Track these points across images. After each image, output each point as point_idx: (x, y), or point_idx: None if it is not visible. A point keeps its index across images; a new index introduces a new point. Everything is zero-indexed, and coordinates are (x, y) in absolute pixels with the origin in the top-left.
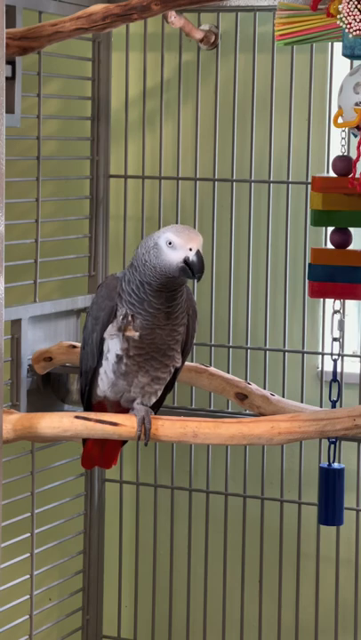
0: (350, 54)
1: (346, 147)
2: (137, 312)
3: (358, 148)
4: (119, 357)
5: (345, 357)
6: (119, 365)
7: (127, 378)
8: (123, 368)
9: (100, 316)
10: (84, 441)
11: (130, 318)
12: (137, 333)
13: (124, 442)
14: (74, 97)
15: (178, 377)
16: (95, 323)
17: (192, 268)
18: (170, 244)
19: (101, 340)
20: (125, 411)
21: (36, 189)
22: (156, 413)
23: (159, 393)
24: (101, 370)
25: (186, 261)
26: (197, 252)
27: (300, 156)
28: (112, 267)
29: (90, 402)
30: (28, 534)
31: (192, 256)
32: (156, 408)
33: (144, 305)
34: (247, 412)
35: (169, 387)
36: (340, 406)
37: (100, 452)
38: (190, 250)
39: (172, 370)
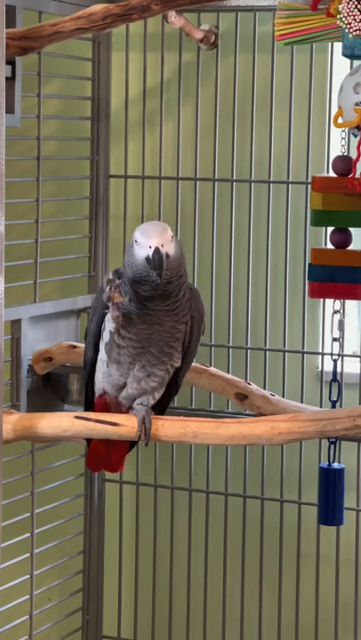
0: (350, 54)
1: (346, 147)
2: (135, 310)
3: (358, 148)
4: (112, 334)
5: (345, 357)
6: (112, 347)
7: (121, 368)
8: (116, 352)
9: (98, 306)
10: (89, 442)
11: (117, 282)
12: (126, 298)
13: (132, 446)
14: (74, 97)
15: (183, 379)
16: (93, 313)
17: (151, 266)
18: (136, 242)
19: (99, 327)
20: (126, 411)
21: (35, 189)
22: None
23: (157, 395)
24: (98, 358)
25: (147, 260)
26: (155, 250)
27: (300, 156)
28: (112, 267)
29: (92, 399)
30: (28, 534)
31: (151, 254)
32: (162, 411)
33: (138, 304)
34: (247, 412)
35: (174, 389)
36: (340, 406)
37: (105, 454)
38: (150, 247)
39: (170, 369)
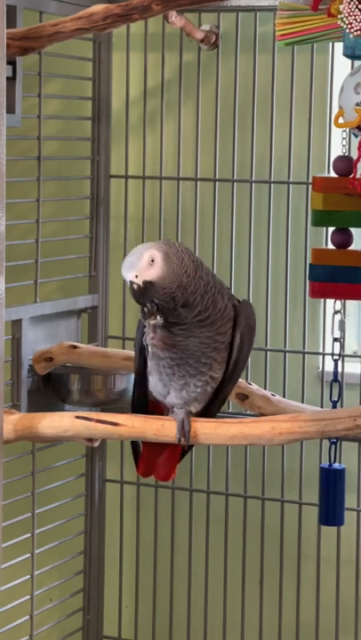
0: (351, 54)
1: (347, 147)
2: (171, 322)
3: (359, 148)
4: (148, 350)
5: (346, 357)
6: (153, 359)
7: (163, 379)
8: (156, 364)
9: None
10: (135, 452)
11: (152, 306)
12: (160, 320)
13: (183, 453)
14: (74, 97)
15: (230, 391)
16: (139, 325)
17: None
18: None
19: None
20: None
21: (36, 189)
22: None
23: (198, 405)
24: (147, 370)
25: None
26: (130, 283)
27: (301, 157)
28: (112, 267)
29: (140, 405)
30: (29, 534)
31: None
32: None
33: (169, 321)
34: (248, 412)
35: (220, 401)
36: (341, 406)
37: (156, 462)
38: (126, 281)
39: (210, 380)
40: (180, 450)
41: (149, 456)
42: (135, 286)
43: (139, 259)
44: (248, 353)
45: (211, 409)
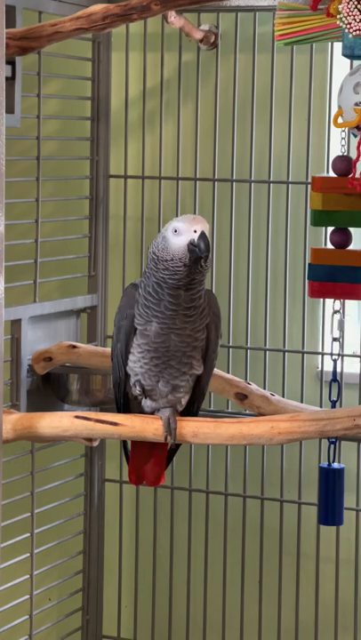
0: (350, 54)
1: (346, 147)
2: (153, 315)
3: (358, 147)
4: (128, 364)
5: (345, 357)
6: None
7: (148, 386)
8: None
9: (122, 325)
10: (127, 456)
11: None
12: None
13: (169, 459)
14: (74, 97)
15: (207, 385)
16: (118, 332)
17: (198, 249)
18: (175, 231)
19: (127, 350)
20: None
21: (35, 189)
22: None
23: (184, 401)
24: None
25: (192, 243)
26: (202, 234)
27: (300, 156)
28: (112, 267)
29: (122, 407)
30: (28, 534)
31: (197, 238)
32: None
33: (161, 307)
34: (247, 411)
35: (200, 397)
36: (340, 406)
37: (144, 467)
38: (195, 232)
39: (189, 378)
40: (167, 453)
41: (137, 463)
42: (205, 240)
43: (205, 220)
44: (217, 342)
45: (193, 405)
